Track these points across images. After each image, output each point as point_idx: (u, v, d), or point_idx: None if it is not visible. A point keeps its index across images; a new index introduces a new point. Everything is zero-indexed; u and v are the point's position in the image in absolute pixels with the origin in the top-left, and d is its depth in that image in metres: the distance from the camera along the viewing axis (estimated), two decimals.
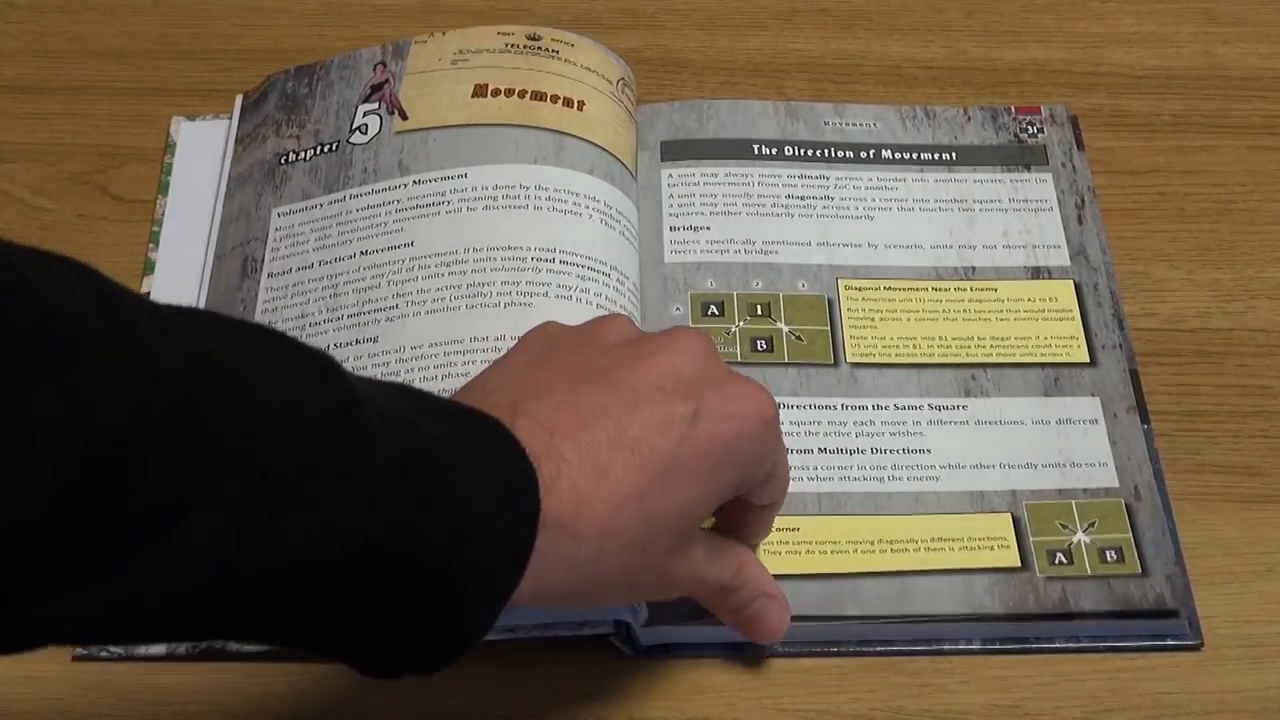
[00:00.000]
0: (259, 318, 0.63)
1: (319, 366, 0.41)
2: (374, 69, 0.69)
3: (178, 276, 0.66)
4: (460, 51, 0.69)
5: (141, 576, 0.36)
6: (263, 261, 0.65)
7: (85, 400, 0.34)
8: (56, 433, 0.33)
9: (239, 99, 0.71)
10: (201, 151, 0.70)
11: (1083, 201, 0.68)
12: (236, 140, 0.70)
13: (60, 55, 0.75)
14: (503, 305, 0.60)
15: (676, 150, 0.69)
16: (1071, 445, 0.60)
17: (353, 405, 0.40)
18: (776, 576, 0.54)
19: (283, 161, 0.67)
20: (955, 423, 0.61)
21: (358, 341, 0.61)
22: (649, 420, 0.46)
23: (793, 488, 0.55)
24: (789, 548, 0.57)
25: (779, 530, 0.57)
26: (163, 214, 0.68)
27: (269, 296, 0.63)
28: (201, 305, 0.64)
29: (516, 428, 0.44)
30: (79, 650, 0.56)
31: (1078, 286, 0.65)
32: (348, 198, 0.65)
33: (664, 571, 0.49)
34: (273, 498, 0.38)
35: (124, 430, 0.34)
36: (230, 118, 0.71)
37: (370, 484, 0.40)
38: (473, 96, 0.67)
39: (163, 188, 0.69)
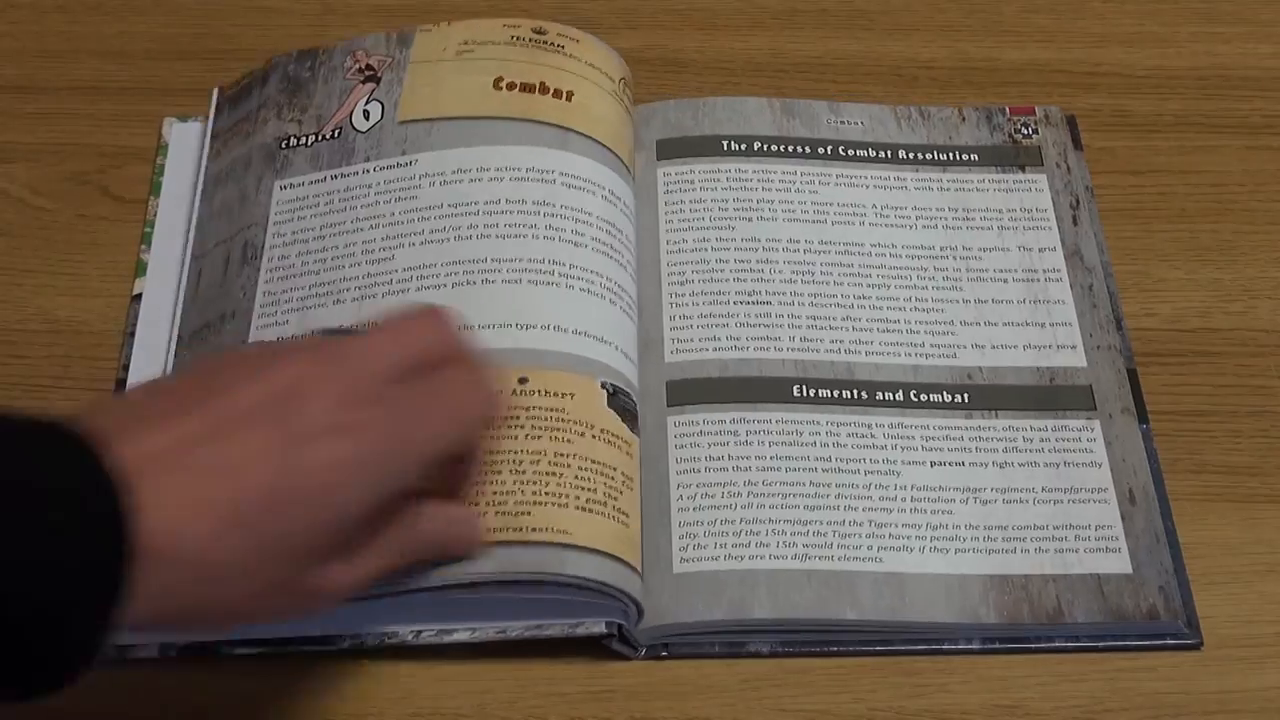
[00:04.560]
0: (259, 301, 0.63)
1: None
2: (353, 56, 0.70)
3: (167, 277, 0.66)
4: (465, 43, 0.69)
5: None
6: (263, 246, 0.65)
7: None
8: None
9: (214, 92, 0.71)
10: (192, 152, 0.70)
11: (1078, 202, 0.68)
12: (213, 136, 0.70)
13: (60, 55, 0.75)
14: (507, 281, 0.61)
15: (672, 148, 0.69)
16: (1065, 447, 0.61)
17: None
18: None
19: (283, 146, 0.67)
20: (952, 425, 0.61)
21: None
22: (251, 446, 0.45)
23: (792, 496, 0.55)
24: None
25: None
26: (155, 215, 0.68)
27: (270, 278, 0.63)
28: (181, 308, 0.64)
29: (118, 447, 0.43)
30: None
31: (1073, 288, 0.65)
32: (355, 174, 0.65)
33: (292, 589, 0.47)
34: None
35: None
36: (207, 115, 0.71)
37: None
38: (478, 90, 0.67)
39: (155, 189, 0.69)
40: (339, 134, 0.67)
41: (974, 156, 0.70)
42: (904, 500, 0.59)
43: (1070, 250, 0.67)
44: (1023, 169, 0.70)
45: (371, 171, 0.65)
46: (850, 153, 0.70)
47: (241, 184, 0.67)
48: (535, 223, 0.62)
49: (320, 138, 0.67)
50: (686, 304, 0.64)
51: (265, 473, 0.45)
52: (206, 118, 0.71)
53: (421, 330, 0.51)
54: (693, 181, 0.68)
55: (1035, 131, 0.71)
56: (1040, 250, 0.67)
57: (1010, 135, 0.71)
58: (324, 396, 0.47)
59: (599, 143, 0.65)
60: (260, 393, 0.46)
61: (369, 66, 0.69)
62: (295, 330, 0.61)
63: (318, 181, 0.66)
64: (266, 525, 0.45)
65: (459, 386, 0.51)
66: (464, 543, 0.53)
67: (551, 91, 0.67)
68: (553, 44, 0.68)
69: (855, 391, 0.62)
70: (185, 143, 0.71)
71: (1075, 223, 0.68)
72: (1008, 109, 0.72)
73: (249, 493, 0.45)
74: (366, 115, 0.67)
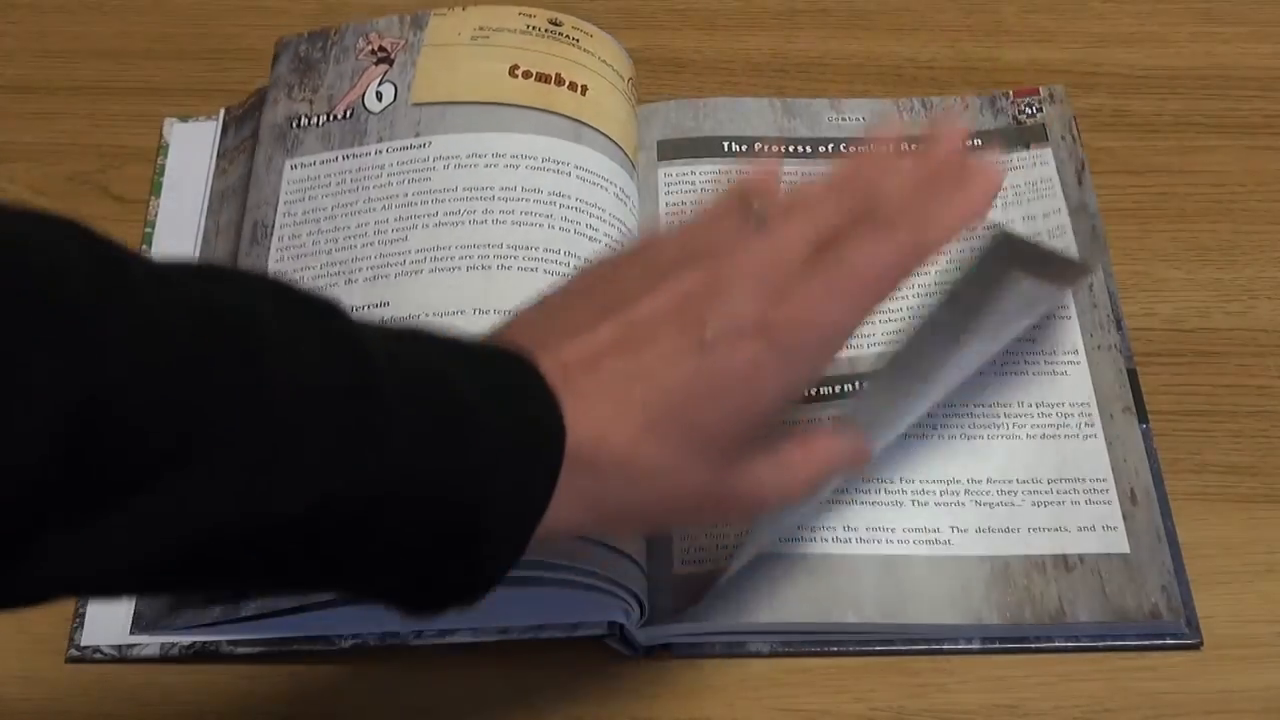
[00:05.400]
0: None
1: (322, 309, 0.41)
2: (365, 38, 0.70)
3: None
4: (481, 28, 0.69)
5: (151, 519, 0.36)
6: (273, 225, 0.65)
7: (82, 350, 0.34)
8: (54, 383, 0.33)
9: (221, 112, 0.71)
10: (194, 152, 0.70)
11: (1083, 166, 0.68)
12: (219, 155, 0.70)
13: (60, 55, 0.75)
14: (517, 268, 0.61)
15: (673, 149, 0.69)
16: (1065, 446, 0.60)
17: (358, 346, 0.41)
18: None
19: (294, 125, 0.68)
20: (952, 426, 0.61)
21: (370, 306, 0.61)
22: (664, 350, 0.46)
23: None
24: None
25: None
26: (155, 215, 0.69)
27: (280, 257, 0.64)
28: None
29: (542, 360, 0.45)
30: (74, 651, 0.56)
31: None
32: (368, 154, 0.66)
33: (717, 492, 0.47)
34: (281, 440, 0.38)
35: (122, 378, 0.35)
36: (215, 126, 0.71)
37: (381, 423, 0.40)
38: (494, 76, 0.67)
39: (155, 189, 0.69)
40: (351, 114, 0.67)
41: (978, 142, 0.70)
42: (904, 501, 0.59)
43: (1075, 206, 0.67)
44: (1028, 146, 0.70)
45: (385, 152, 0.65)
46: (853, 149, 0.70)
47: (255, 164, 0.67)
48: (551, 213, 0.62)
49: (331, 117, 0.67)
50: None
51: (681, 375, 0.46)
52: (214, 129, 0.71)
53: (828, 202, 0.49)
54: (694, 183, 0.68)
55: (1040, 110, 0.71)
56: (1044, 215, 0.66)
57: (1014, 117, 0.71)
58: (732, 298, 0.47)
59: (610, 139, 0.66)
60: (665, 300, 0.47)
61: (382, 48, 0.69)
62: None
63: (329, 161, 0.66)
64: (684, 424, 0.46)
65: (866, 260, 0.48)
66: (857, 456, 0.52)
67: (567, 84, 0.67)
68: (568, 37, 0.69)
69: (856, 386, 0.61)
70: (186, 143, 0.71)
71: (1080, 183, 0.68)
72: (1011, 92, 0.72)
73: (666, 395, 0.45)
74: (379, 96, 0.67)
